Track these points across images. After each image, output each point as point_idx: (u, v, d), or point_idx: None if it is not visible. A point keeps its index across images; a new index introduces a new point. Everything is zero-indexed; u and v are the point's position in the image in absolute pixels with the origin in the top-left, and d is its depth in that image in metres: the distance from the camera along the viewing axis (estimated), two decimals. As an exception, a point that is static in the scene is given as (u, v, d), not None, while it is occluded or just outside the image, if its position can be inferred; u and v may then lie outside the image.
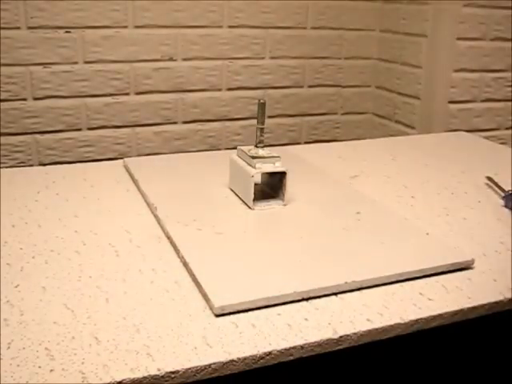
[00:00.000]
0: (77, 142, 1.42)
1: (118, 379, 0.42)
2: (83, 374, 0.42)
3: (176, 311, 0.50)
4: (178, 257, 0.60)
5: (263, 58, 1.54)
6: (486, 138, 1.26)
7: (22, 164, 1.37)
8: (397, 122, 1.59)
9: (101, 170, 0.87)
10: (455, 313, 0.53)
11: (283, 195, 0.73)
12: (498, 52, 1.45)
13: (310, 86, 1.63)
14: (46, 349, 0.45)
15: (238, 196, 0.75)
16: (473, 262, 0.61)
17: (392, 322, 0.51)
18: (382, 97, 1.65)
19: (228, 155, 0.78)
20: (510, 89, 1.50)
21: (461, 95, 1.46)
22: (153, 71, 1.44)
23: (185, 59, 1.46)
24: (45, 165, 1.36)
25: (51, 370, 0.42)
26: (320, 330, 0.49)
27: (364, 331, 0.49)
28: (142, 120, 1.47)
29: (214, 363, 0.44)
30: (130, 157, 0.93)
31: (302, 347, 0.47)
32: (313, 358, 0.48)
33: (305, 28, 1.57)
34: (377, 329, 0.50)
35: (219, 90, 1.52)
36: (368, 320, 0.51)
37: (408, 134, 1.49)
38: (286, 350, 0.47)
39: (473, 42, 1.42)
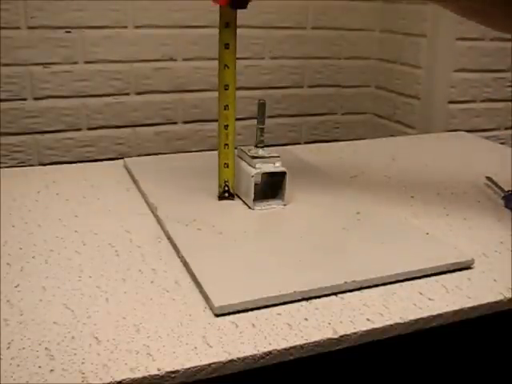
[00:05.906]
0: (77, 142, 1.41)
1: (118, 379, 0.42)
2: (83, 373, 0.42)
3: (176, 311, 0.50)
4: (178, 257, 0.60)
5: (263, 58, 1.54)
6: (486, 138, 1.26)
7: (22, 164, 1.37)
8: (397, 122, 1.59)
9: (101, 170, 0.87)
10: (455, 313, 0.53)
11: (283, 195, 0.73)
12: (498, 52, 1.45)
13: (310, 86, 1.63)
14: (46, 349, 0.45)
15: (238, 196, 0.75)
16: (473, 261, 0.61)
17: (392, 322, 0.51)
18: (382, 97, 1.65)
19: (228, 155, 0.78)
20: (510, 89, 1.50)
21: (461, 95, 1.45)
22: (153, 71, 1.43)
23: (185, 59, 1.46)
24: (45, 165, 1.36)
25: (51, 370, 0.42)
26: (320, 330, 0.49)
27: (364, 331, 0.49)
28: (142, 120, 1.46)
29: (214, 363, 0.44)
30: (130, 157, 0.93)
31: (301, 347, 0.47)
32: (313, 357, 0.48)
33: (305, 28, 1.57)
34: (377, 329, 0.50)
35: (219, 90, 1.52)
36: (368, 320, 0.51)
37: (408, 134, 1.49)
38: (285, 349, 0.47)
39: (473, 42, 1.42)
